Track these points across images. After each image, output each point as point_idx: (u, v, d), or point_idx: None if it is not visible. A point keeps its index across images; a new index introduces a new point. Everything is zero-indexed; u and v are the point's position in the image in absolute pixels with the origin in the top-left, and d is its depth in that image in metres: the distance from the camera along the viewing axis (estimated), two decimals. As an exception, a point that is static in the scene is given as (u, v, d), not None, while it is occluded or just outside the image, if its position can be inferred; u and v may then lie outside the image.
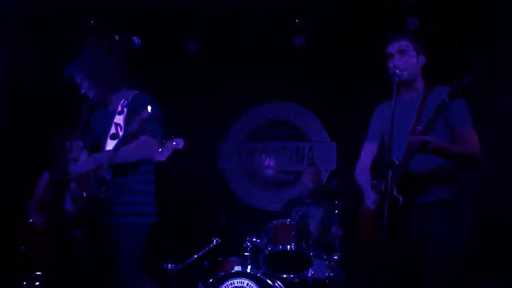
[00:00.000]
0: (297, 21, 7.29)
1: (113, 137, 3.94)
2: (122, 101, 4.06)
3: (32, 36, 6.60)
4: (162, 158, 4.82)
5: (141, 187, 4.01)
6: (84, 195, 3.74)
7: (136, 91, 4.03)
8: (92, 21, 7.13)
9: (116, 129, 3.97)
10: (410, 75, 3.86)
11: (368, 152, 4.13)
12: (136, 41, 3.83)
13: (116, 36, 3.66)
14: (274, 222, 5.78)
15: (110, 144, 3.90)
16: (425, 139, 3.51)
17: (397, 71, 3.73)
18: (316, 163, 7.31)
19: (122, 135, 3.82)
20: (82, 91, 4.06)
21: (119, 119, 4.00)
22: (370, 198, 3.83)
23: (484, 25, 6.52)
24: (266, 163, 8.25)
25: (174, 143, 4.83)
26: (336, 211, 5.68)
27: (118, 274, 3.83)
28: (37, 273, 5.33)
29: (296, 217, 6.20)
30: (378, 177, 3.92)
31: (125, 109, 4.01)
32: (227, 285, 5.31)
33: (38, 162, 5.91)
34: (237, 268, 5.66)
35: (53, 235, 5.41)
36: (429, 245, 3.59)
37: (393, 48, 3.90)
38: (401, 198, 3.60)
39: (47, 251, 5.43)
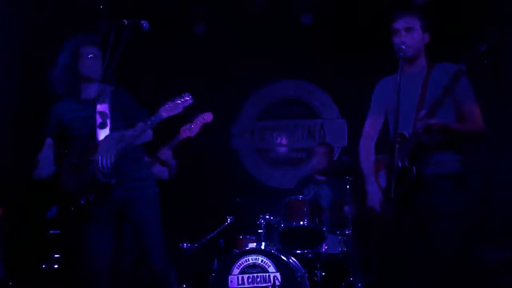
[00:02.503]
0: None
1: (102, 126, 4.09)
2: (98, 90, 4.21)
3: (40, 20, 6.63)
4: (192, 134, 4.91)
5: (144, 163, 4.35)
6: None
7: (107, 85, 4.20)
8: (101, 6, 7.15)
9: (103, 119, 4.11)
10: (415, 52, 3.88)
11: (372, 128, 4.15)
12: (145, 25, 3.88)
13: (125, 21, 3.70)
14: (287, 198, 5.85)
15: (102, 133, 4.07)
16: (430, 122, 3.57)
17: (403, 46, 3.76)
18: (327, 141, 7.35)
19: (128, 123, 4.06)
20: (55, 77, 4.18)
21: (103, 108, 4.14)
22: (376, 199, 3.86)
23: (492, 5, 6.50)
24: (278, 141, 8.30)
25: (204, 117, 4.92)
26: (348, 187, 5.72)
27: (153, 245, 4.10)
28: (56, 255, 5.42)
29: (309, 197, 6.23)
30: (385, 151, 3.97)
31: (107, 99, 4.16)
32: (242, 262, 5.37)
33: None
34: (252, 245, 5.74)
35: None
36: (438, 217, 3.63)
37: (400, 24, 3.91)
38: (414, 169, 3.65)
39: None
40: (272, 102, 8.39)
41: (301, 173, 7.46)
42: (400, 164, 3.66)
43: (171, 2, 7.16)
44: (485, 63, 3.56)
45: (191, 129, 4.91)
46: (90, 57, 4.11)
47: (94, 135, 4.08)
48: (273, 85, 8.40)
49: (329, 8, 7.31)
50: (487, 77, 5.58)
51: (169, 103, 4.15)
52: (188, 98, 4.20)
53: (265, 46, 7.63)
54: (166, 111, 4.10)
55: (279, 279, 5.28)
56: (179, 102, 4.15)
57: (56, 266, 5.40)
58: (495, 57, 3.63)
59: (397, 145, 3.58)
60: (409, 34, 3.86)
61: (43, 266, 5.43)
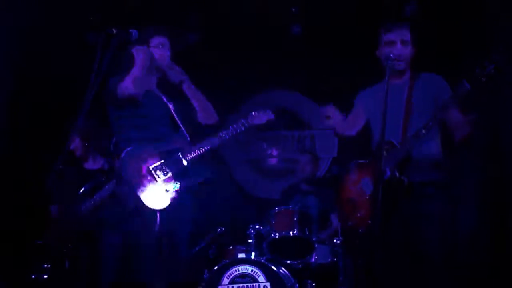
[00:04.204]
0: (293, 10, 7.30)
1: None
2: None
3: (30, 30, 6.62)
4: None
5: None
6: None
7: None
8: (91, 17, 7.15)
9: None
10: (405, 66, 3.94)
11: (351, 122, 4.22)
12: (133, 33, 3.88)
13: (113, 29, 3.71)
14: (276, 208, 5.85)
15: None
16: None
17: (392, 56, 3.79)
18: (311, 151, 7.37)
19: None
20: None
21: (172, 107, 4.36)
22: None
23: (483, 17, 6.53)
24: (269, 152, 8.31)
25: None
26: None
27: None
28: (46, 265, 5.39)
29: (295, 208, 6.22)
30: (370, 158, 4.00)
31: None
32: (231, 272, 5.35)
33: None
34: (241, 255, 5.72)
35: (71, 225, 5.50)
36: (422, 223, 3.66)
37: (395, 36, 3.94)
38: (406, 180, 3.68)
39: (64, 241, 5.52)
40: (262, 112, 8.40)
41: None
42: (389, 172, 3.68)
43: (165, 11, 7.16)
44: (488, 84, 3.60)
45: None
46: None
47: (179, 129, 4.23)
48: (264, 95, 8.44)
49: (321, 19, 7.34)
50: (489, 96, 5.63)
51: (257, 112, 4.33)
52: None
53: (257, 56, 7.66)
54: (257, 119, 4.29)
55: (269, 289, 5.27)
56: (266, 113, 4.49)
57: (45, 276, 5.37)
58: (499, 78, 3.65)
59: (385, 153, 3.60)
60: (405, 47, 3.90)
61: (33, 276, 5.40)
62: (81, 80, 4.11)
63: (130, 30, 3.78)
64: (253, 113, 4.56)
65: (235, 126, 4.32)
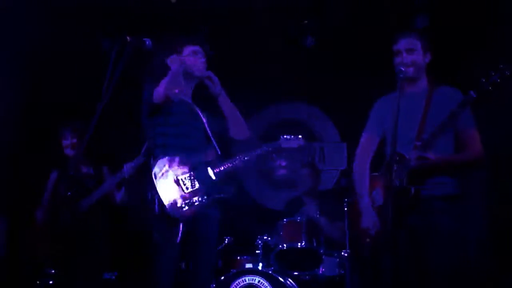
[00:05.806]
0: (306, 21, 7.31)
1: None
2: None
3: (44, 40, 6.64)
4: None
5: None
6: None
7: None
8: (104, 25, 7.18)
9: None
10: (416, 72, 3.93)
11: (368, 145, 4.19)
12: (147, 42, 3.90)
13: (127, 37, 3.72)
14: (284, 220, 5.85)
15: None
16: (420, 162, 3.62)
17: (402, 68, 3.80)
18: (312, 163, 7.37)
19: None
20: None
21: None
22: (371, 220, 3.90)
23: (494, 25, 6.53)
24: (278, 163, 8.30)
25: None
26: (346, 209, 5.71)
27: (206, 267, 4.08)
28: (51, 271, 5.40)
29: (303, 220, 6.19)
30: (382, 170, 3.99)
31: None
32: (238, 282, 5.36)
33: (48, 161, 5.95)
34: (249, 265, 5.73)
35: (54, 232, 5.51)
36: (432, 237, 3.65)
37: (401, 45, 3.97)
38: (413, 189, 3.67)
39: (46, 248, 5.53)
40: (272, 124, 8.40)
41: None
42: (398, 183, 3.68)
43: (173, 21, 7.19)
44: (494, 93, 3.60)
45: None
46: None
47: (211, 142, 4.21)
48: (275, 107, 8.43)
49: (330, 30, 7.34)
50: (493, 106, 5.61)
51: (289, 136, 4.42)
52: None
53: (266, 68, 7.65)
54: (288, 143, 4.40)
55: (276, 300, 5.26)
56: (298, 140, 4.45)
57: (51, 282, 5.38)
58: (505, 88, 3.65)
59: (395, 165, 3.60)
60: (410, 55, 3.91)
61: (38, 282, 5.42)
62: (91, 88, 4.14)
63: (144, 39, 3.80)
64: (286, 136, 4.52)
65: (265, 147, 4.35)
